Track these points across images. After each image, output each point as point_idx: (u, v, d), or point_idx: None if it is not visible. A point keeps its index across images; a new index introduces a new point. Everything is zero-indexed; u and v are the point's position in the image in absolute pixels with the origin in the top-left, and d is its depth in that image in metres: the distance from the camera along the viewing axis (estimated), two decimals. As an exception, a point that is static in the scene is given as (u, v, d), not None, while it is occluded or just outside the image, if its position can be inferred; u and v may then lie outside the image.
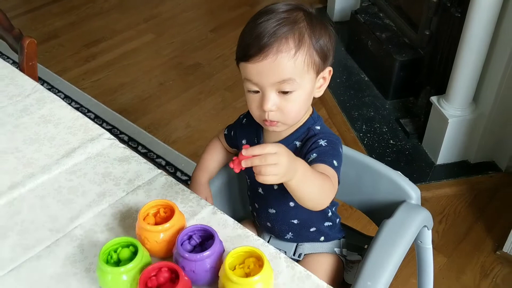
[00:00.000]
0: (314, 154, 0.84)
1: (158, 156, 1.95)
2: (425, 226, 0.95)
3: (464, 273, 1.57)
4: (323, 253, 0.97)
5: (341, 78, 2.38)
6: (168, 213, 0.79)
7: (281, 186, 0.75)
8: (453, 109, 1.80)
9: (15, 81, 1.16)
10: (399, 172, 0.97)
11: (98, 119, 2.13)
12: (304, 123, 0.90)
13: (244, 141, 0.97)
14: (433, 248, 1.64)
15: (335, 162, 0.84)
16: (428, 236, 1.00)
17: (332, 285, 0.75)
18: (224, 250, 0.75)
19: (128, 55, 2.55)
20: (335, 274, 0.95)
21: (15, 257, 0.79)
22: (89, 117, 1.81)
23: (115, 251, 0.73)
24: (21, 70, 1.22)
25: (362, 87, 2.33)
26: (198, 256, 0.70)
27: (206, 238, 0.76)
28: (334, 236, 0.99)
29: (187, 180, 1.80)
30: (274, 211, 0.95)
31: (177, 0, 3.01)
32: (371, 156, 1.48)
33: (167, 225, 0.75)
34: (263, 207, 0.96)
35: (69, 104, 1.42)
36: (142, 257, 0.71)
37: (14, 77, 1.17)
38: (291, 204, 0.92)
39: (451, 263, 1.60)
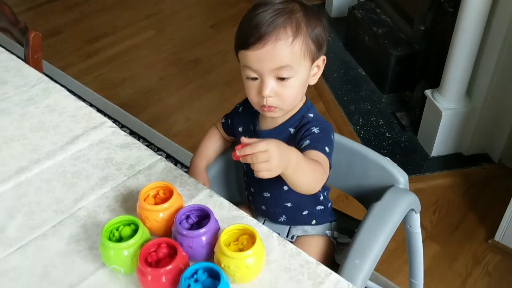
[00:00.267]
0: (307, 141, 0.88)
1: (159, 149, 2.00)
2: (412, 209, 0.99)
3: (456, 260, 1.62)
4: (315, 235, 1.02)
5: (338, 73, 2.42)
6: (167, 195, 0.83)
7: None
8: (447, 102, 1.85)
9: (21, 73, 1.20)
10: (388, 158, 1.01)
11: (100, 113, 2.16)
12: (298, 111, 0.95)
13: (240, 129, 1.01)
14: (427, 237, 1.69)
15: (327, 149, 0.88)
16: (416, 220, 1.05)
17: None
18: (219, 228, 0.79)
19: (130, 51, 2.60)
20: (325, 255, 1.00)
21: (22, 236, 0.84)
22: (92, 110, 1.84)
23: (117, 229, 0.78)
24: (27, 62, 1.27)
25: (359, 81, 2.37)
26: (195, 233, 0.75)
27: (202, 218, 0.80)
28: (325, 219, 1.04)
29: (187, 172, 1.85)
30: (269, 194, 1.00)
31: (177, -3, 3.06)
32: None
33: (166, 205, 0.79)
34: (258, 191, 1.01)
35: (72, 96, 1.46)
36: (143, 234, 0.76)
37: (20, 68, 1.21)
38: (285, 188, 0.96)
39: (444, 251, 1.65)
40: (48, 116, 1.08)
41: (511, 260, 1.60)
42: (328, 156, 0.88)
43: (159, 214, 0.79)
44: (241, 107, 1.03)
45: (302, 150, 0.87)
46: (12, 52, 1.31)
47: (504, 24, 1.66)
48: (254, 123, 0.98)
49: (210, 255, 0.76)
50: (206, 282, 0.69)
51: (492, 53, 1.73)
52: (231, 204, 0.89)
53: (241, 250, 0.73)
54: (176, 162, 1.92)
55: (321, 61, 0.91)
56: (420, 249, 1.13)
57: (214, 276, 0.70)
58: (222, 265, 0.72)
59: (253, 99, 0.89)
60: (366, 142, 2.03)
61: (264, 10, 0.84)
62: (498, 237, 1.63)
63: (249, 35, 0.83)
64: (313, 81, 0.92)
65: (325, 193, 1.03)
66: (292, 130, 0.94)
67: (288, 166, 0.75)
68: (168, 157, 1.95)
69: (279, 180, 0.86)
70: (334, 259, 1.03)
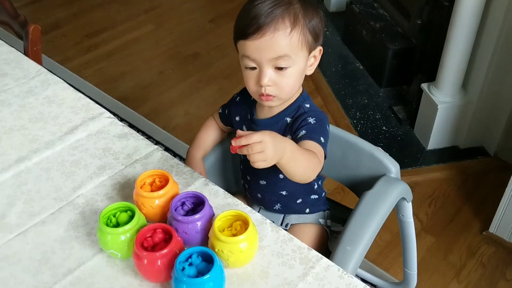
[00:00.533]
0: (303, 131, 0.90)
1: (158, 142, 2.02)
2: (404, 198, 1.01)
3: (451, 252, 1.64)
4: (308, 224, 1.04)
5: (336, 67, 2.43)
6: (163, 183, 0.85)
7: None
8: (443, 96, 1.86)
9: (20, 65, 1.22)
10: (380, 148, 1.03)
11: (99, 106, 2.19)
12: (295, 101, 0.97)
13: (237, 118, 1.03)
14: (422, 229, 1.71)
15: (322, 139, 0.90)
16: (408, 209, 1.07)
17: (316, 252, 0.81)
18: (214, 214, 0.81)
19: (129, 45, 2.61)
20: (319, 243, 1.02)
21: (21, 223, 0.86)
22: (91, 103, 1.86)
23: (114, 216, 0.80)
24: (26, 54, 1.29)
25: (357, 75, 2.39)
26: (190, 219, 0.77)
27: (197, 205, 0.82)
28: (319, 208, 1.06)
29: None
30: (264, 182, 1.02)
31: (176, -9, 3.08)
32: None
33: (161, 192, 0.82)
34: (254, 179, 1.03)
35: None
36: (139, 219, 0.78)
37: (20, 61, 1.23)
38: (281, 176, 0.98)
39: (439, 243, 1.67)
40: (47, 107, 1.10)
41: (505, 252, 1.63)
42: (323, 146, 0.90)
43: (155, 201, 0.81)
44: (238, 97, 1.05)
45: (298, 140, 0.89)
46: (11, 46, 1.32)
47: (499, 18, 1.67)
48: (251, 112, 1.00)
49: (205, 240, 0.78)
50: (200, 265, 0.72)
51: (488, 47, 1.74)
52: (226, 192, 0.91)
53: (234, 235, 0.75)
54: (174, 155, 1.94)
55: (318, 51, 0.93)
56: (413, 239, 1.15)
57: (208, 260, 0.72)
58: (216, 250, 0.74)
59: (252, 88, 0.91)
60: (363, 135, 2.04)
61: (262, 1, 0.86)
62: (492, 229, 1.65)
63: (248, 26, 0.85)
64: (310, 71, 0.94)
65: (320, 182, 1.05)
66: (288, 119, 0.96)
67: (283, 156, 0.77)
68: (167, 150, 1.97)
69: (275, 168, 0.88)
70: (327, 247, 1.05)
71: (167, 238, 0.76)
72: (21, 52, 1.29)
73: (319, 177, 1.05)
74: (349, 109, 2.18)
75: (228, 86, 2.33)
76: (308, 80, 2.34)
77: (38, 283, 0.76)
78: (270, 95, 0.90)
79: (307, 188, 1.02)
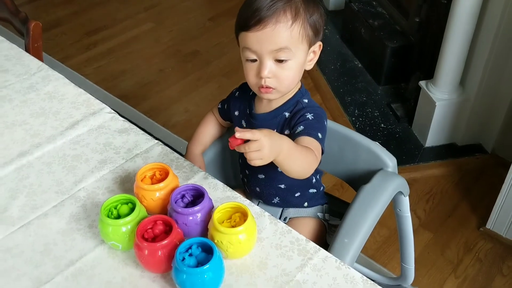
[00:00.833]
0: (301, 127, 0.92)
1: (158, 139, 2.02)
2: (401, 192, 1.02)
3: (448, 247, 1.65)
4: (307, 217, 1.06)
5: (335, 65, 2.45)
6: (163, 176, 0.86)
7: None
8: (440, 93, 1.87)
9: (21, 61, 1.23)
10: (377, 143, 1.04)
11: (99, 104, 2.20)
12: (293, 96, 0.98)
13: (236, 113, 1.04)
14: (420, 225, 1.73)
15: (319, 135, 0.92)
16: (405, 204, 1.08)
17: (314, 245, 0.83)
18: (213, 206, 0.82)
19: (129, 43, 2.63)
20: (317, 236, 1.03)
21: (24, 215, 0.87)
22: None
23: (115, 208, 0.81)
24: (27, 51, 1.30)
25: (356, 73, 2.40)
26: (190, 210, 0.78)
27: (197, 197, 0.83)
28: (317, 202, 1.07)
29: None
30: (263, 176, 1.03)
31: (176, -10, 3.09)
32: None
33: (162, 184, 0.83)
34: (253, 173, 1.04)
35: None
36: (140, 211, 0.79)
37: (21, 57, 1.25)
38: (279, 169, 0.99)
39: (437, 239, 1.68)
40: (48, 103, 1.11)
41: (501, 247, 1.64)
42: (321, 142, 0.91)
43: (155, 193, 0.83)
44: (237, 92, 1.06)
45: (296, 135, 0.90)
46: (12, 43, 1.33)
47: (497, 16, 1.69)
48: (250, 106, 1.01)
49: (204, 232, 0.80)
50: (200, 256, 0.73)
51: (485, 44, 1.76)
52: (225, 185, 0.92)
53: (233, 226, 0.77)
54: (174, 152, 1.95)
55: (317, 47, 0.94)
56: (410, 233, 1.16)
57: (208, 250, 0.73)
58: (216, 241, 0.75)
59: (252, 80, 0.92)
60: (361, 132, 2.00)
61: None
62: (489, 225, 1.67)
63: (250, 18, 0.86)
64: (309, 66, 0.96)
65: (318, 176, 1.07)
66: (287, 114, 0.97)
67: (279, 153, 0.79)
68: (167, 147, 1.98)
69: (273, 163, 0.89)
70: (325, 240, 1.07)
71: (168, 229, 0.77)
72: (21, 49, 1.31)
73: (317, 171, 1.06)
74: (348, 107, 2.20)
75: (227, 83, 2.35)
76: (307, 77, 2.36)
77: (41, 274, 0.77)
78: (270, 87, 0.91)
79: (306, 182, 1.04)
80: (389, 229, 1.67)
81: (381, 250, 1.64)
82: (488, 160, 1.95)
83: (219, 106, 1.10)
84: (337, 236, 0.90)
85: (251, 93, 1.00)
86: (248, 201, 0.89)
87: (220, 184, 0.92)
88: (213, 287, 0.72)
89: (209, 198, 0.82)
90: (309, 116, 0.93)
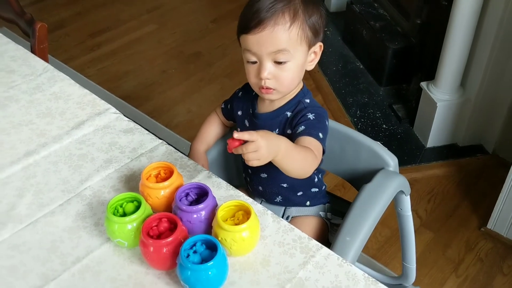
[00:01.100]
0: (302, 127, 0.93)
1: (160, 140, 2.04)
2: (402, 191, 1.04)
3: (450, 247, 1.66)
4: (309, 216, 1.07)
5: (337, 66, 2.46)
6: (168, 175, 0.88)
7: None
8: (442, 94, 1.89)
9: (27, 62, 1.25)
10: (379, 143, 1.06)
11: (103, 105, 2.22)
12: (295, 96, 0.99)
13: (240, 112, 1.06)
14: (421, 225, 1.74)
15: (320, 135, 0.93)
16: (406, 203, 1.09)
17: (316, 243, 0.84)
18: (217, 204, 0.84)
19: (132, 45, 2.64)
20: (319, 234, 1.05)
21: (31, 213, 0.88)
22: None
23: (121, 206, 0.83)
24: (33, 52, 1.31)
25: (357, 74, 2.41)
26: (194, 208, 0.80)
27: (201, 196, 0.85)
28: (319, 201, 1.09)
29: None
30: (265, 175, 1.04)
31: (179, -8, 3.11)
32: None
33: (166, 183, 0.84)
34: (256, 172, 1.06)
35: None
36: (145, 209, 0.81)
37: (27, 58, 1.26)
38: None
39: (438, 238, 1.69)
40: (54, 103, 1.13)
41: (502, 247, 1.65)
42: (322, 142, 0.92)
43: (160, 192, 0.84)
44: (240, 92, 1.08)
45: (297, 135, 0.92)
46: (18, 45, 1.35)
47: (497, 17, 1.70)
48: (253, 106, 1.03)
49: (208, 230, 0.81)
50: (204, 253, 0.74)
51: (486, 46, 1.77)
52: (228, 184, 0.94)
53: (237, 224, 0.78)
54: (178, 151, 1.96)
55: (318, 47, 0.96)
56: (411, 232, 1.17)
57: (212, 248, 0.75)
58: (219, 238, 0.77)
59: (253, 81, 0.94)
60: (363, 133, 2.04)
61: None
62: (490, 225, 1.68)
63: (250, 20, 0.88)
64: (310, 66, 0.97)
65: (320, 176, 1.08)
66: (289, 113, 0.98)
67: (277, 154, 0.80)
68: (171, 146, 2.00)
69: (275, 162, 0.90)
70: (328, 239, 1.08)
71: (172, 227, 0.79)
72: (27, 50, 1.32)
73: (319, 170, 1.08)
74: (350, 108, 2.21)
75: (230, 85, 2.36)
76: (308, 79, 2.37)
77: (48, 270, 0.79)
78: (270, 88, 0.93)
79: (308, 181, 1.05)
80: (391, 229, 1.69)
81: (382, 249, 1.65)
82: (489, 160, 1.96)
83: (223, 106, 1.12)
84: (339, 234, 0.91)
85: (253, 93, 1.02)
86: (251, 199, 0.91)
87: (224, 183, 0.94)
88: (217, 284, 0.74)
89: (213, 196, 0.83)
90: (310, 116, 0.95)
